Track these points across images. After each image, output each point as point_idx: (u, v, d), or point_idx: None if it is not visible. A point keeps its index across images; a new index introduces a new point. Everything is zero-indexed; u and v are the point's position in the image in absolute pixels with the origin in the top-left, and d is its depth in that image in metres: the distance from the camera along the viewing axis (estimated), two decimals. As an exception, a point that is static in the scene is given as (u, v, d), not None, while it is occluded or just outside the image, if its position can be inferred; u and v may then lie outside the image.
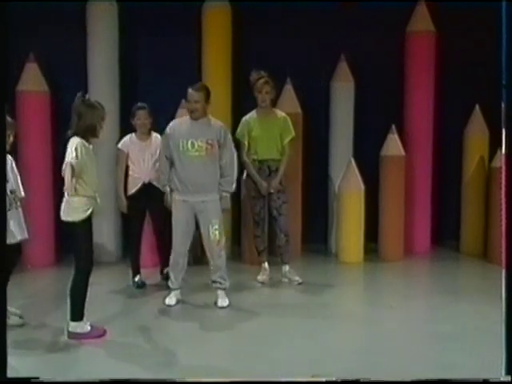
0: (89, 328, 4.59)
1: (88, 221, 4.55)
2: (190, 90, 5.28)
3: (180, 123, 5.42)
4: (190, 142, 5.25)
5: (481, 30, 7.06)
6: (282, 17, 7.32)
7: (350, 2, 7.04)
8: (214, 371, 4.00)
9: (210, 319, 5.14)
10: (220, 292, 5.43)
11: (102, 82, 6.86)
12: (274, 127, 6.09)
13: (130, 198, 5.96)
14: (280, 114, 6.19)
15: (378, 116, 7.37)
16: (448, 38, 7.23)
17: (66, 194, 4.51)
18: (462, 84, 7.43)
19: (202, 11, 7.06)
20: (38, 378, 3.52)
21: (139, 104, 6.15)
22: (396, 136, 7.05)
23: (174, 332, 4.91)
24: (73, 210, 4.48)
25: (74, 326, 4.56)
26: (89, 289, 4.59)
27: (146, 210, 6.05)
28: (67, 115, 7.38)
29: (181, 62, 7.16)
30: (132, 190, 5.97)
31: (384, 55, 7.29)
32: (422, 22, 7.17)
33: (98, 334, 4.60)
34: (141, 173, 5.95)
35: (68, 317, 4.57)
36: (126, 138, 6.04)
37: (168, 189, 5.40)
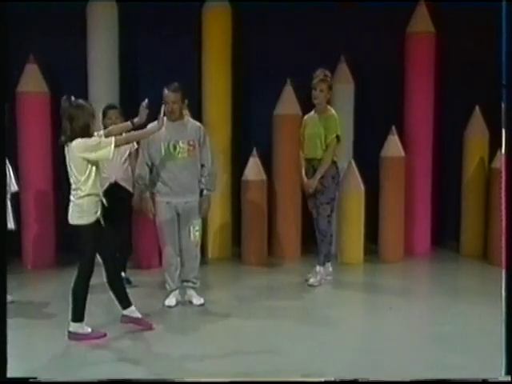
0: (89, 329, 4.59)
1: (96, 223, 4.55)
2: (166, 92, 5.22)
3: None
4: (171, 145, 5.23)
5: (481, 31, 7.06)
6: (282, 17, 7.31)
7: (350, 2, 7.04)
8: (214, 372, 3.99)
9: (210, 320, 5.13)
10: (193, 291, 5.48)
11: (102, 83, 6.86)
12: (320, 126, 6.02)
13: None
14: (330, 112, 6.08)
15: (377, 117, 7.37)
16: (448, 39, 7.23)
17: (72, 197, 4.51)
18: (462, 85, 7.43)
19: (202, 11, 7.06)
20: (35, 378, 3.52)
21: (110, 103, 6.18)
22: (396, 137, 7.04)
23: (174, 333, 4.90)
24: (81, 212, 4.49)
25: (75, 327, 4.56)
26: (90, 290, 4.61)
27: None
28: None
29: (181, 62, 7.16)
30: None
31: (384, 56, 7.28)
32: (421, 22, 7.17)
33: (97, 335, 4.60)
34: (108, 173, 5.97)
35: (69, 317, 4.58)
36: None
37: (147, 194, 5.36)
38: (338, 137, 6.02)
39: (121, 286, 4.83)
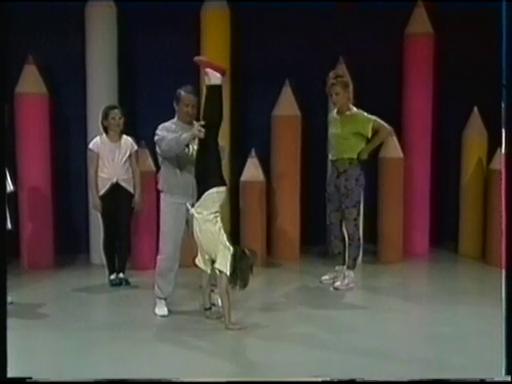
0: None
1: None
2: (188, 95, 5.15)
3: (172, 127, 5.16)
4: (190, 147, 5.09)
5: (479, 33, 7.09)
6: (281, 18, 7.33)
7: (349, 3, 7.06)
8: (212, 371, 4.00)
9: (208, 321, 5.11)
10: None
11: (101, 84, 6.85)
12: (343, 127, 5.92)
13: (100, 199, 6.03)
14: (352, 111, 5.95)
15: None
16: (446, 41, 7.25)
17: None
18: (461, 86, 7.44)
19: (201, 12, 7.05)
20: (31, 378, 3.51)
21: (111, 104, 6.19)
22: (394, 138, 7.05)
23: (173, 333, 4.89)
24: None
25: None
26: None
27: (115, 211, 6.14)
28: (65, 117, 7.42)
29: (180, 63, 7.15)
30: (102, 191, 6.03)
31: (382, 57, 7.30)
32: (420, 24, 7.18)
33: None
34: (109, 173, 6.02)
35: None
36: (97, 138, 6.09)
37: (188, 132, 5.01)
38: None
39: None
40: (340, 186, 5.97)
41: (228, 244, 4.82)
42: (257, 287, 6.15)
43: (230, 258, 4.75)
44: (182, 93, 5.16)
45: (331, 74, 5.97)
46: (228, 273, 4.73)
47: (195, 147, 5.08)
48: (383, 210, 7.16)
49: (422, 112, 7.30)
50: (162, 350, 4.46)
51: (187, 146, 5.03)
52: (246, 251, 4.88)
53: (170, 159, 5.14)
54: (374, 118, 5.95)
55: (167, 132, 5.09)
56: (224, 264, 4.73)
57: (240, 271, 4.76)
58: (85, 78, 6.95)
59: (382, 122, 5.97)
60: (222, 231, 4.87)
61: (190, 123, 5.20)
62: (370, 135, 5.94)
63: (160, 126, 5.19)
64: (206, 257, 4.89)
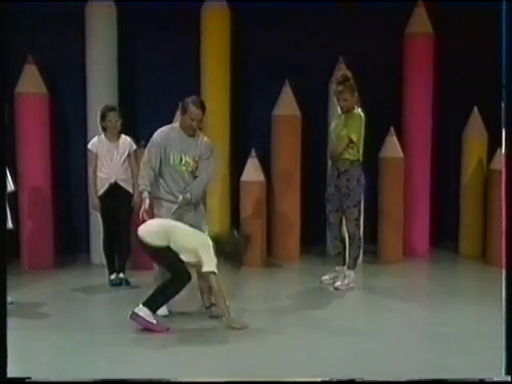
0: (154, 321, 4.71)
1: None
2: (197, 110, 5.06)
3: (170, 135, 5.16)
4: (179, 157, 5.12)
5: (479, 33, 7.10)
6: (281, 17, 7.32)
7: (349, 3, 7.06)
8: (214, 372, 4.00)
9: (209, 322, 5.12)
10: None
11: (101, 84, 6.86)
12: (343, 126, 5.88)
13: (99, 199, 6.04)
14: (354, 112, 5.90)
15: (376, 118, 7.36)
16: (446, 41, 7.25)
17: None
18: (461, 86, 7.44)
19: (201, 12, 7.05)
20: (30, 378, 3.51)
21: (109, 105, 6.19)
22: (394, 138, 7.06)
23: (174, 334, 4.89)
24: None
25: (146, 314, 4.68)
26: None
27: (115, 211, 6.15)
28: (65, 117, 7.43)
29: (180, 64, 7.17)
30: (101, 191, 6.05)
31: (382, 57, 7.30)
32: (420, 24, 7.18)
33: (160, 328, 4.71)
34: (108, 173, 6.03)
35: (143, 301, 4.71)
36: (95, 138, 6.11)
37: (146, 194, 5.15)
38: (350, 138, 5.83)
39: None
40: (341, 186, 5.96)
41: (206, 240, 4.85)
42: (257, 287, 6.16)
43: (211, 250, 4.77)
44: (191, 106, 5.08)
45: (339, 77, 5.90)
46: (215, 270, 4.75)
47: (187, 159, 5.14)
48: (383, 210, 7.16)
49: (421, 112, 7.30)
50: (162, 350, 4.46)
51: (181, 159, 5.12)
52: (235, 233, 4.93)
53: (158, 167, 5.17)
54: (349, 134, 5.84)
55: (160, 141, 5.11)
56: (210, 264, 4.75)
57: (230, 252, 4.84)
58: (85, 78, 6.95)
59: (341, 144, 5.87)
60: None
61: (192, 136, 5.18)
62: (354, 139, 5.85)
63: (158, 131, 5.20)
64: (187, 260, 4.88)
